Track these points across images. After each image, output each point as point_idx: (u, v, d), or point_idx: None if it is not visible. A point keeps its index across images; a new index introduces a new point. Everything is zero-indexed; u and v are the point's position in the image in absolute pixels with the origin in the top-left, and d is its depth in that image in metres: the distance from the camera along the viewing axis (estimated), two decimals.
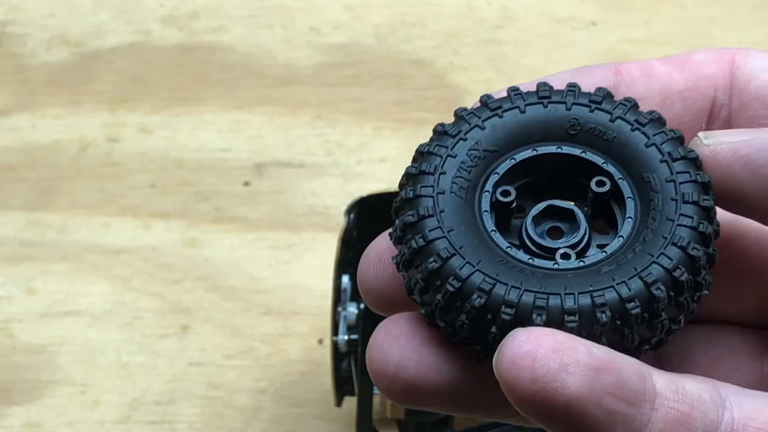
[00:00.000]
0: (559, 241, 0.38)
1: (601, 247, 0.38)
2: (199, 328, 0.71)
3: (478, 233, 0.37)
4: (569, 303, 0.35)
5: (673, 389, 0.35)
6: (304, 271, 0.73)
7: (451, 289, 0.36)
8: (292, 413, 0.69)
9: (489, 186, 0.38)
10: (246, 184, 0.76)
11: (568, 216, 0.38)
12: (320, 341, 0.71)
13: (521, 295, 0.35)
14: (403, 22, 0.83)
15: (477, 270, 0.36)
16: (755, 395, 0.36)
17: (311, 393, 0.70)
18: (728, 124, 0.40)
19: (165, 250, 0.74)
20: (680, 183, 0.37)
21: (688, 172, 0.37)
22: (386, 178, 0.76)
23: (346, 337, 0.64)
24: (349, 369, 0.64)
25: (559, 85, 0.39)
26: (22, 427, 0.69)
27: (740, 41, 0.81)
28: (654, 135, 0.38)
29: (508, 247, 0.37)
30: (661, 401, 0.34)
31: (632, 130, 0.38)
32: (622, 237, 0.37)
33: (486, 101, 0.39)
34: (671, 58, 0.40)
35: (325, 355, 0.69)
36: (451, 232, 0.37)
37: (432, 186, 0.37)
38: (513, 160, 0.38)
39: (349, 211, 0.64)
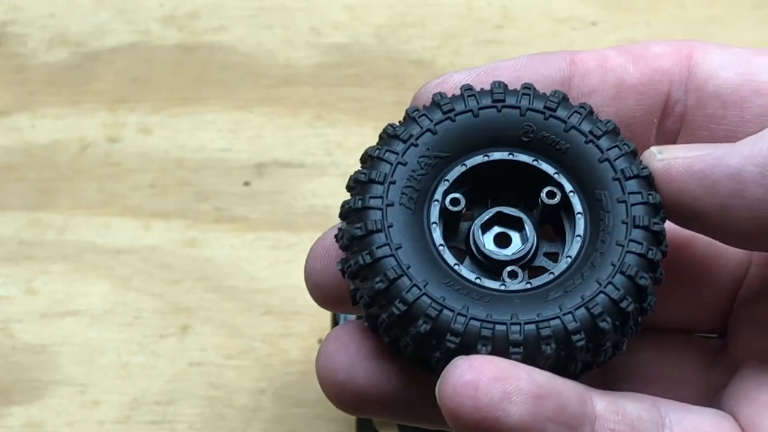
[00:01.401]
0: (507, 251, 0.37)
1: (548, 256, 0.38)
2: (199, 328, 0.71)
3: (426, 249, 0.36)
4: (515, 335, 0.34)
5: (613, 410, 0.35)
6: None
7: (397, 312, 0.35)
8: (292, 413, 0.69)
9: (438, 195, 0.37)
10: (246, 184, 0.76)
11: (516, 223, 0.38)
12: (320, 341, 0.71)
13: (467, 324, 0.35)
14: (403, 22, 0.83)
15: (424, 294, 0.35)
16: (695, 411, 0.36)
17: (311, 393, 0.70)
18: (683, 121, 0.39)
19: (165, 250, 0.74)
20: (632, 204, 0.36)
21: (640, 193, 0.36)
22: None
23: None
24: None
25: (511, 73, 0.38)
26: (22, 427, 0.69)
27: (740, 41, 0.80)
28: (608, 149, 0.37)
29: (455, 264, 0.36)
30: (602, 423, 0.34)
31: (586, 142, 0.37)
32: (570, 257, 0.37)
33: (439, 102, 0.37)
34: (627, 49, 0.40)
35: None
36: (399, 249, 0.36)
37: (381, 197, 0.36)
38: (464, 166, 0.37)
39: None
